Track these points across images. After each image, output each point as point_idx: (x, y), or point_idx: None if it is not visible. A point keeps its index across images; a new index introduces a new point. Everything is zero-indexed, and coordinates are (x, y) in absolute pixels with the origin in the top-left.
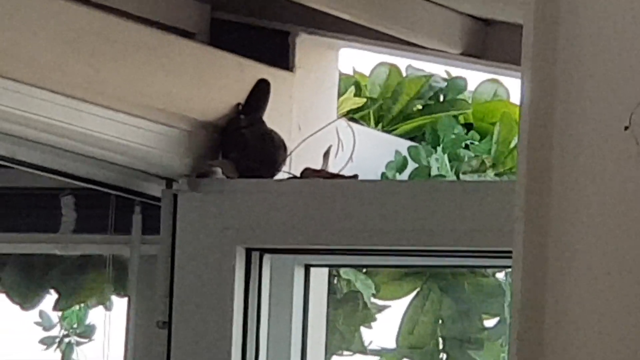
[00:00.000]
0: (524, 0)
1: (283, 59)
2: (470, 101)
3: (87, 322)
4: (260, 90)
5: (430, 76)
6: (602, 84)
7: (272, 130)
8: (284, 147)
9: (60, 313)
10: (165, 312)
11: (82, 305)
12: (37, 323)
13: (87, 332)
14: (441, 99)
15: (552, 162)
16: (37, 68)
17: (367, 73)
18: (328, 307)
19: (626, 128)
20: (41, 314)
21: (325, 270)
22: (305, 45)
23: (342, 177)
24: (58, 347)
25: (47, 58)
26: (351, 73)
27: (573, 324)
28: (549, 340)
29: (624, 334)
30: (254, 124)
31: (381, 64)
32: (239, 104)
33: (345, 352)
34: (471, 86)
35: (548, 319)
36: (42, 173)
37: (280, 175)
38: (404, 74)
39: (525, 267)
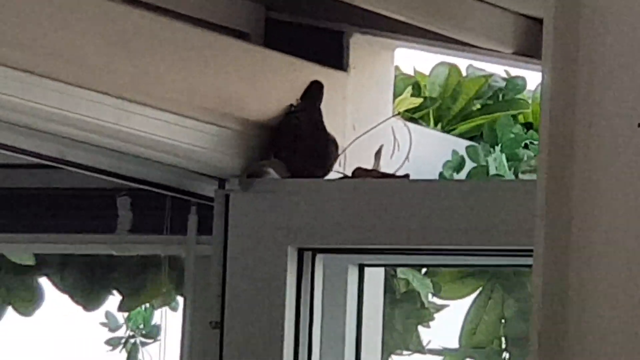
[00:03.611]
0: None
1: (337, 59)
2: (530, 101)
3: (152, 322)
4: (314, 91)
5: (489, 76)
6: (621, 82)
7: (325, 130)
8: (336, 146)
9: (125, 314)
10: (218, 312)
11: (148, 305)
12: (102, 324)
13: (152, 333)
14: (500, 98)
15: (574, 159)
16: (85, 69)
17: (427, 73)
18: (385, 306)
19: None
20: (107, 315)
21: (381, 270)
22: (360, 45)
23: (393, 176)
24: (124, 347)
25: (95, 59)
26: (411, 73)
27: (595, 322)
28: (571, 339)
29: None
30: (306, 123)
31: (441, 63)
32: (291, 105)
33: (404, 352)
34: (531, 86)
35: (570, 316)
36: (97, 175)
37: (332, 175)
38: (464, 74)
39: (546, 265)
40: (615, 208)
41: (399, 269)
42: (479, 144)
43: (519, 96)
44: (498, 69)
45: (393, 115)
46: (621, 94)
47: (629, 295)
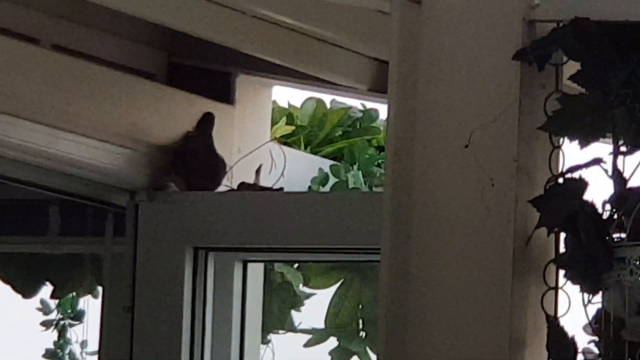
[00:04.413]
0: (390, 46)
1: (225, 95)
2: (382, 128)
3: (78, 307)
4: (207, 121)
5: (349, 108)
6: (451, 112)
7: (215, 152)
8: (224, 165)
9: (57, 301)
10: (129, 299)
11: (74, 294)
12: (38, 309)
13: (78, 316)
14: (358, 126)
15: (414, 174)
16: (23, 103)
17: (298, 106)
18: (264, 294)
19: (466, 146)
20: (42, 301)
21: (261, 265)
22: (244, 84)
23: (271, 189)
24: (55, 328)
25: (31, 95)
26: (286, 106)
27: (431, 305)
28: (411, 318)
29: (471, 313)
30: (200, 146)
31: (310, 98)
32: (188, 132)
33: (280, 331)
34: (383, 116)
35: (410, 301)
36: (33, 188)
37: (221, 189)
38: (329, 106)
39: (391, 261)
40: (448, 213)
41: (275, 264)
42: (341, 163)
43: (373, 124)
44: (356, 103)
45: (270, 140)
46: (451, 123)
47: (459, 282)
